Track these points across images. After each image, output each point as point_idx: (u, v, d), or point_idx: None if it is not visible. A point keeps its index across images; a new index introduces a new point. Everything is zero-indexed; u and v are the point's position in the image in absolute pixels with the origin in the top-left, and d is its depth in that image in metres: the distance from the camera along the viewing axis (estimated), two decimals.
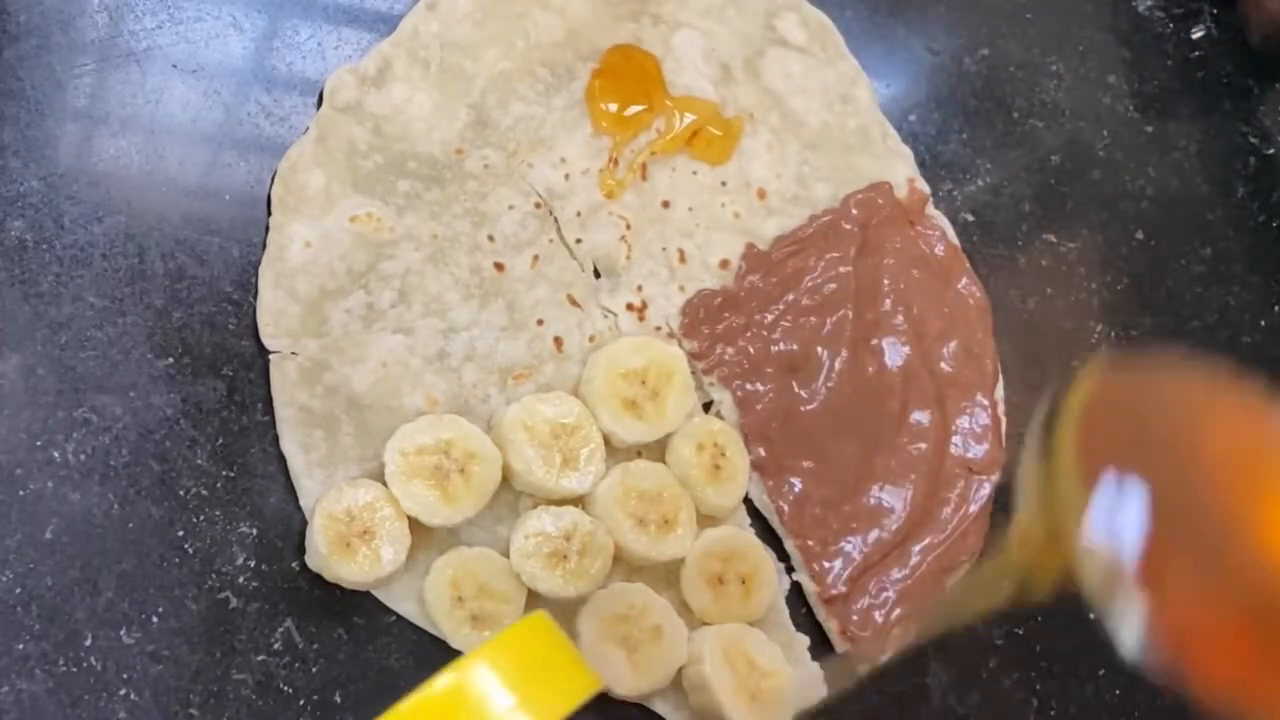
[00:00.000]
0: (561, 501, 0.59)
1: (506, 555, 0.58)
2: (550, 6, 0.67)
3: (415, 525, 0.57)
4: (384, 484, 0.57)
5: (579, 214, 0.64)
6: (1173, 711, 0.67)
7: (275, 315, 0.59)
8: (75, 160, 0.58)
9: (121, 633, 0.54)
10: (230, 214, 0.60)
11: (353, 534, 0.56)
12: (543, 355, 0.62)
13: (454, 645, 0.57)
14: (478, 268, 0.62)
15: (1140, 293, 0.73)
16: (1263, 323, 0.74)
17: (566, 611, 0.59)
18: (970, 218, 0.71)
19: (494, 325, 0.62)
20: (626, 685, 0.58)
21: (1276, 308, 0.75)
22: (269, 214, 0.60)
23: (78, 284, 0.57)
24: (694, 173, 0.67)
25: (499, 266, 0.62)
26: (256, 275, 0.59)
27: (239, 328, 0.59)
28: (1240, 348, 0.73)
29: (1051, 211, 0.72)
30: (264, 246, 0.59)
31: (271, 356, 0.58)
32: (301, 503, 0.57)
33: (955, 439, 0.66)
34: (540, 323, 0.63)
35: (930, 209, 0.70)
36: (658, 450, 0.62)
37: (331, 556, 0.55)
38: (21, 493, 0.54)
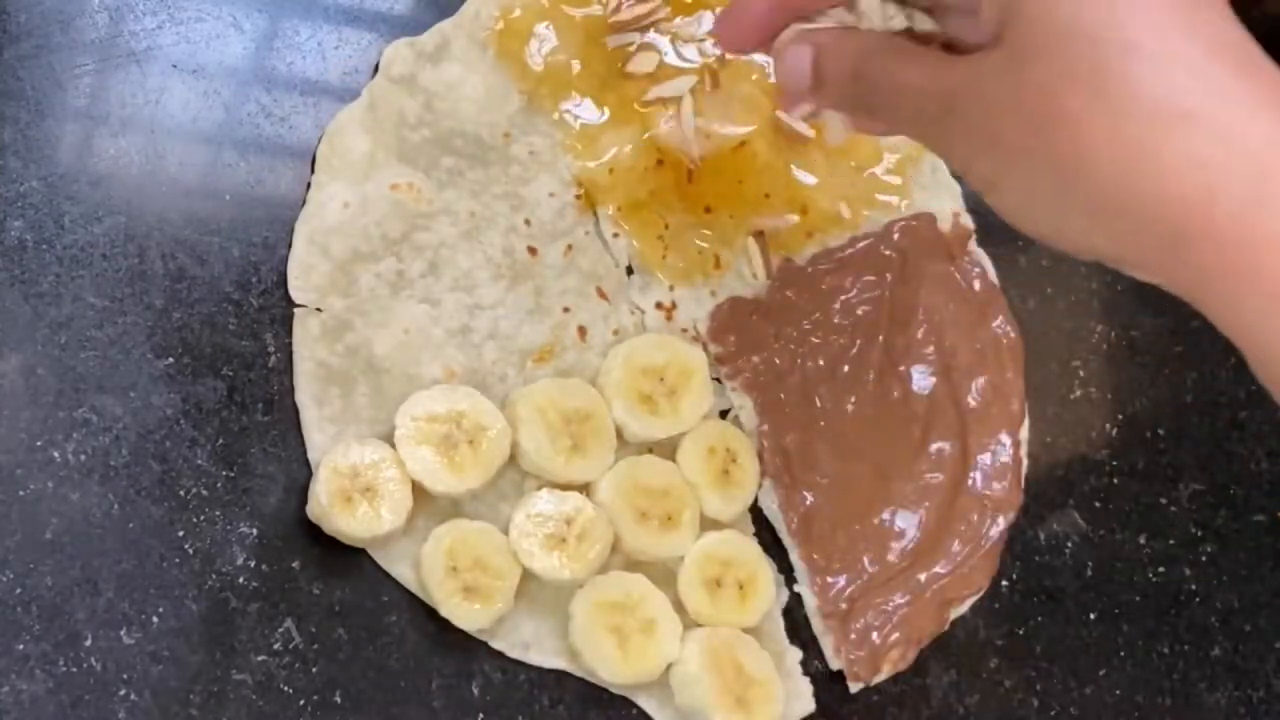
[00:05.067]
0: (567, 486, 0.60)
1: (506, 533, 0.58)
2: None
3: (418, 491, 0.57)
4: (393, 446, 0.57)
5: (619, 209, 0.65)
6: (1173, 712, 0.67)
7: (305, 270, 0.60)
8: (75, 160, 0.58)
9: (121, 633, 0.54)
10: (230, 214, 0.60)
11: (355, 489, 0.56)
12: (565, 342, 0.62)
13: (442, 614, 0.57)
14: (511, 249, 0.63)
15: (1140, 293, 0.73)
16: None
17: (562, 594, 0.59)
18: (970, 218, 0.71)
19: (520, 307, 0.62)
20: (613, 673, 0.58)
21: None
22: (271, 211, 0.60)
23: (78, 284, 0.57)
24: (739, 182, 0.67)
25: (532, 251, 0.63)
26: (257, 275, 0.59)
27: (239, 328, 0.59)
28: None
29: None
30: (266, 246, 0.59)
31: (296, 311, 0.59)
32: (310, 456, 0.58)
33: (974, 474, 0.66)
34: (566, 310, 0.63)
35: (972, 244, 0.70)
36: (669, 449, 0.62)
37: (332, 508, 0.56)
38: (21, 493, 0.54)
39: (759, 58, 0.68)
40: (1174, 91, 0.38)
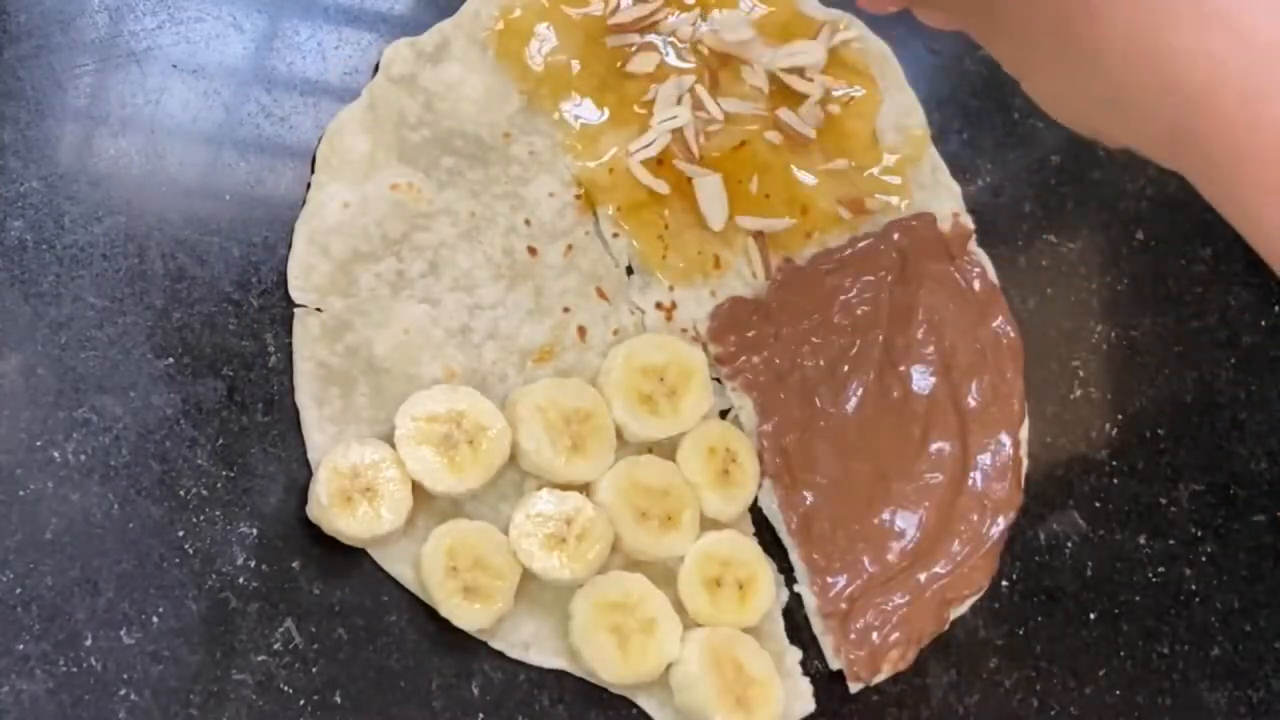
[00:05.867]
0: (567, 486, 0.60)
1: (506, 533, 0.58)
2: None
3: (418, 491, 0.57)
4: (393, 446, 0.57)
5: (619, 209, 0.65)
6: (1173, 712, 0.67)
7: (305, 270, 0.60)
8: (75, 160, 0.58)
9: (121, 633, 0.54)
10: (230, 214, 0.60)
11: (355, 490, 0.56)
12: (565, 343, 0.63)
13: (442, 614, 0.57)
14: (511, 249, 0.63)
15: (1140, 293, 0.73)
16: (1263, 323, 0.74)
17: (562, 594, 0.59)
18: (970, 218, 0.71)
19: (520, 307, 0.62)
20: (613, 673, 0.58)
21: (1276, 308, 0.75)
22: (271, 211, 0.60)
23: (78, 284, 0.57)
24: (739, 182, 0.66)
25: (532, 251, 0.63)
26: (257, 275, 0.59)
27: (239, 328, 0.59)
28: (1240, 347, 0.73)
29: (1051, 211, 0.72)
30: (266, 246, 0.59)
31: (296, 311, 0.59)
32: (310, 456, 0.58)
33: (974, 474, 0.66)
34: (566, 310, 0.63)
35: (972, 244, 0.70)
36: (670, 449, 0.62)
37: (332, 509, 0.56)
38: (21, 493, 0.54)
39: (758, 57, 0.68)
40: None
